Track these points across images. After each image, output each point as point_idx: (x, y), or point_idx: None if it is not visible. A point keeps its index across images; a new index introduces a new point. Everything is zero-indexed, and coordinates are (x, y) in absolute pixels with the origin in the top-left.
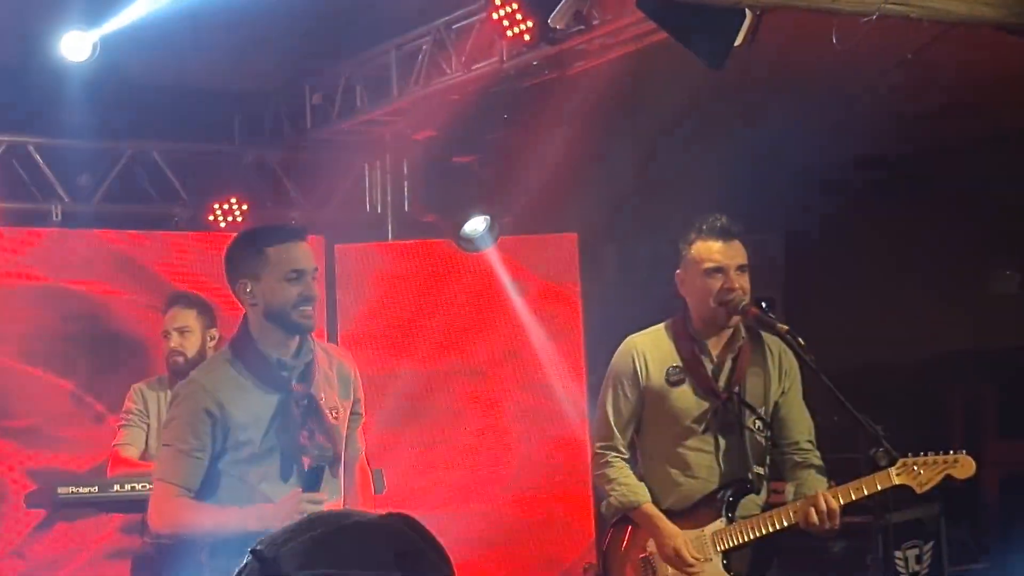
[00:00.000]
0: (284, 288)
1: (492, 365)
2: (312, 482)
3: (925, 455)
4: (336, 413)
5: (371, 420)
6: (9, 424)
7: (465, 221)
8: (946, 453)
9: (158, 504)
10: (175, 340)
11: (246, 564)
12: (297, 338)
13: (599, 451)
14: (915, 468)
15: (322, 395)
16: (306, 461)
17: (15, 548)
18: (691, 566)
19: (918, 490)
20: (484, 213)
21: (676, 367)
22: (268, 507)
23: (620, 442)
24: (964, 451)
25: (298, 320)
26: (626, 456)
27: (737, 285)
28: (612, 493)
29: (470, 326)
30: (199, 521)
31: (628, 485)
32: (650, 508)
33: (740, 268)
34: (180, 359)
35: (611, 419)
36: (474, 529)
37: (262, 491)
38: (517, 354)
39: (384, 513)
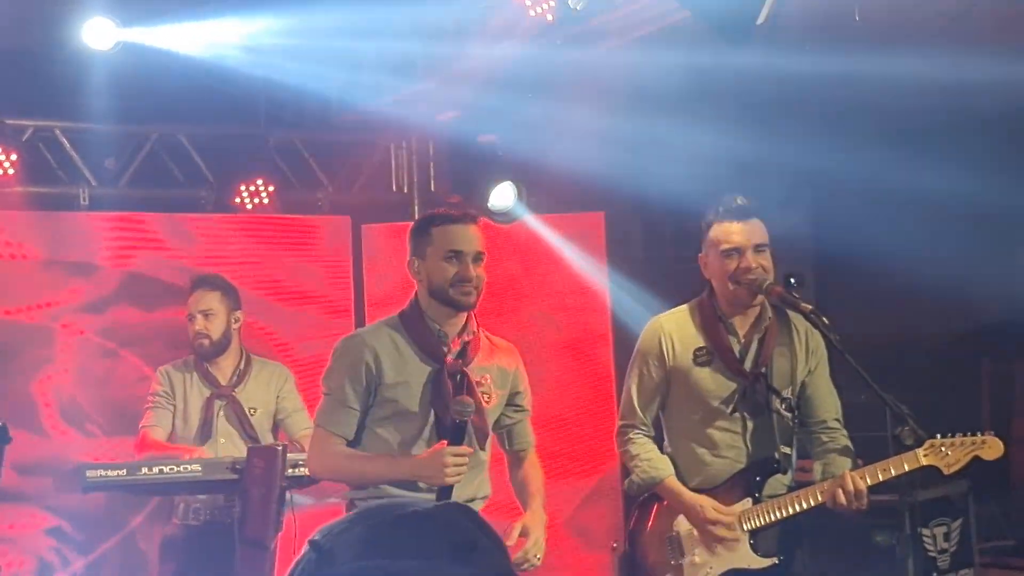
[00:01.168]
0: (442, 267)
1: (519, 341)
2: (457, 436)
3: (953, 436)
4: (488, 398)
5: None
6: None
7: (489, 193)
8: (974, 434)
9: (318, 449)
10: (200, 323)
11: (304, 555)
12: (462, 317)
13: (622, 428)
14: (943, 449)
15: (476, 376)
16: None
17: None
18: (725, 527)
19: (945, 471)
20: (507, 180)
21: (702, 348)
22: (418, 458)
23: (642, 421)
24: (992, 432)
25: (455, 297)
26: (649, 433)
27: (755, 265)
28: (635, 469)
29: (496, 303)
30: (354, 468)
31: (650, 460)
32: (673, 482)
33: (759, 248)
34: (205, 341)
35: (635, 398)
36: (501, 500)
37: (401, 453)
38: (543, 330)
39: (441, 503)
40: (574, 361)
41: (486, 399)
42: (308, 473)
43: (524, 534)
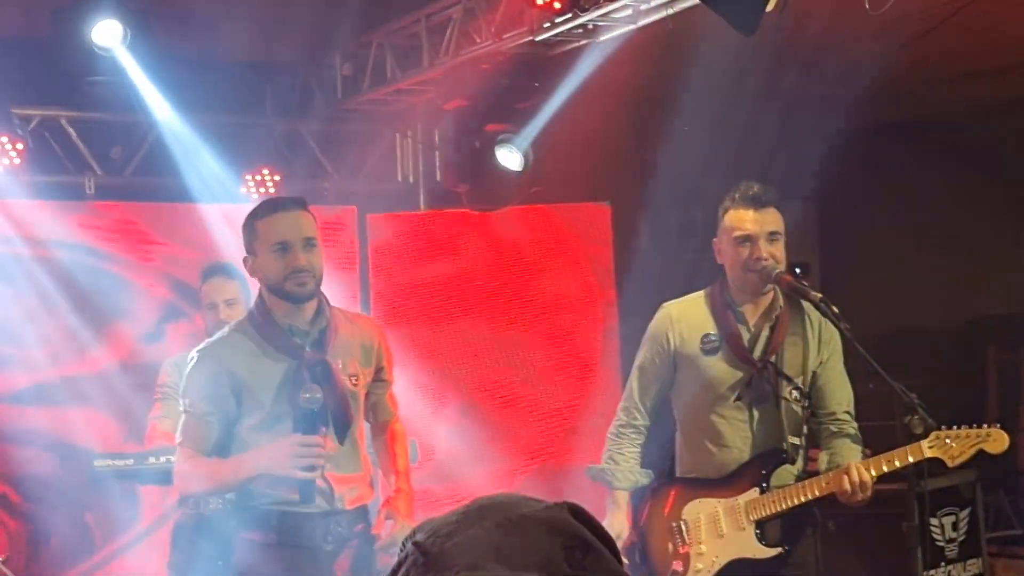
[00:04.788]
0: (271, 261)
1: (525, 331)
2: (307, 425)
3: (959, 428)
4: (355, 380)
5: (403, 384)
6: None
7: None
8: (979, 426)
9: (178, 467)
10: (224, 312)
11: (407, 555)
12: (310, 306)
13: (619, 411)
14: (948, 441)
15: (339, 362)
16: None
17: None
18: None
19: (950, 464)
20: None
21: (711, 335)
22: (263, 449)
23: (640, 406)
24: (998, 424)
25: (292, 290)
26: (643, 423)
27: (766, 253)
28: (602, 463)
29: (501, 292)
30: (201, 474)
31: (617, 463)
32: (620, 497)
33: (772, 237)
34: None
35: (635, 385)
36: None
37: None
38: (550, 320)
39: (551, 503)
40: (577, 351)
41: (354, 381)
42: None
43: (391, 517)
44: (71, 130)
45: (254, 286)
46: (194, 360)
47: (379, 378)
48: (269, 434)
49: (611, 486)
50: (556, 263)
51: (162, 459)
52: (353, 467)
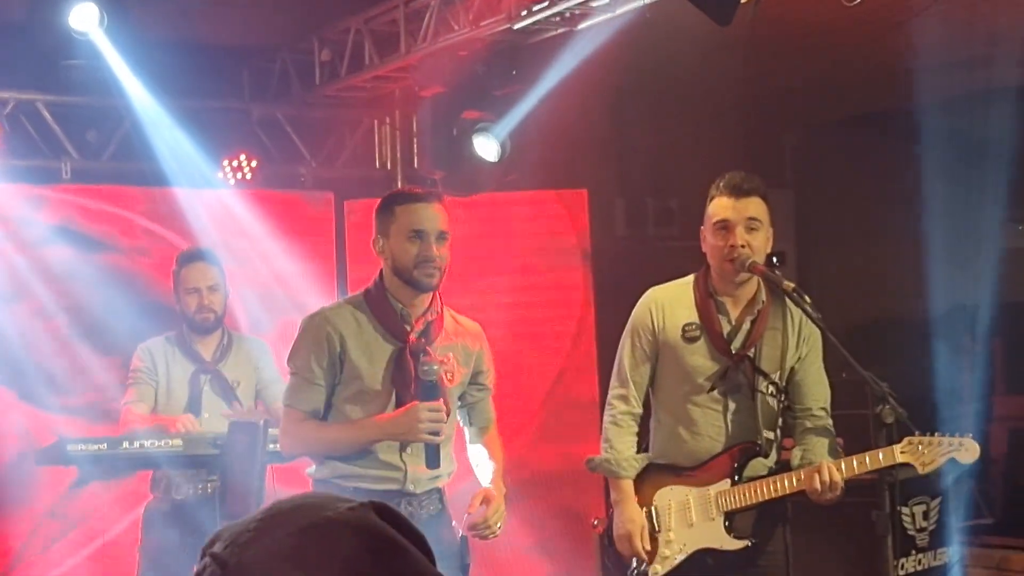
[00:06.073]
0: (405, 247)
1: (500, 318)
2: (428, 394)
3: (932, 435)
4: (450, 376)
5: None
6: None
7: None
8: (952, 435)
9: (286, 428)
10: (206, 296)
11: (204, 567)
12: (426, 297)
13: (611, 400)
14: (920, 447)
15: (440, 356)
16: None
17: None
18: (638, 553)
19: (921, 470)
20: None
21: (693, 323)
22: (391, 416)
23: (633, 392)
24: (970, 435)
25: (418, 277)
26: (636, 411)
27: (743, 241)
28: (603, 451)
29: (478, 278)
30: (324, 437)
31: (619, 451)
32: (627, 486)
33: (751, 226)
34: (211, 316)
35: (627, 367)
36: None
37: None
38: (524, 307)
39: (356, 503)
40: (555, 341)
41: (449, 377)
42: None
43: (485, 502)
44: (47, 114)
45: (235, 272)
46: (306, 326)
47: (476, 382)
48: (363, 408)
49: (617, 476)
50: (532, 249)
51: (135, 444)
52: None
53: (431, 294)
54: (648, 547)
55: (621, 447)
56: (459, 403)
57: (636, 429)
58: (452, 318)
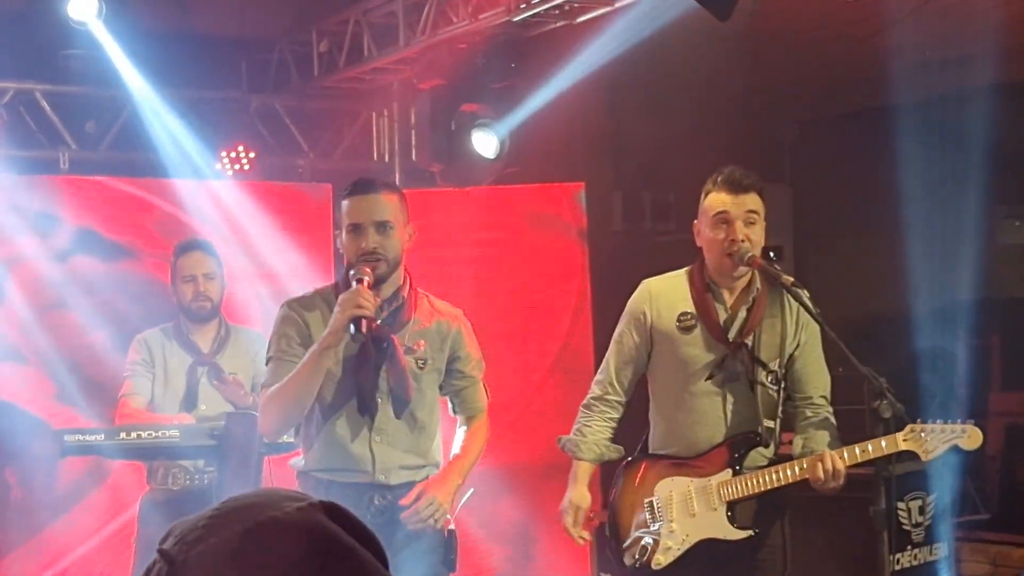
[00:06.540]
0: (348, 241)
1: (497, 312)
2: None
3: (934, 422)
4: (422, 363)
5: None
6: None
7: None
8: (955, 422)
9: (262, 407)
10: (202, 285)
11: (154, 563)
12: (386, 286)
13: (593, 386)
14: (922, 435)
15: (410, 343)
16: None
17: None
18: (569, 532)
19: (924, 457)
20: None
21: (688, 313)
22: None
23: (614, 382)
24: (972, 421)
25: (360, 273)
26: (616, 399)
27: (741, 236)
28: (573, 432)
29: (474, 270)
30: (284, 386)
31: (584, 435)
32: (582, 468)
33: (749, 220)
34: (207, 304)
35: (611, 361)
36: (487, 478)
37: (335, 424)
38: (525, 301)
39: (306, 503)
40: (549, 330)
41: (420, 364)
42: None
43: (421, 495)
44: (45, 104)
45: (232, 264)
46: (283, 311)
47: (456, 368)
48: (324, 393)
49: (575, 456)
50: (529, 242)
51: (132, 435)
52: (405, 445)
53: (392, 282)
54: (586, 536)
55: (587, 431)
56: (441, 391)
57: (612, 416)
58: (428, 302)
